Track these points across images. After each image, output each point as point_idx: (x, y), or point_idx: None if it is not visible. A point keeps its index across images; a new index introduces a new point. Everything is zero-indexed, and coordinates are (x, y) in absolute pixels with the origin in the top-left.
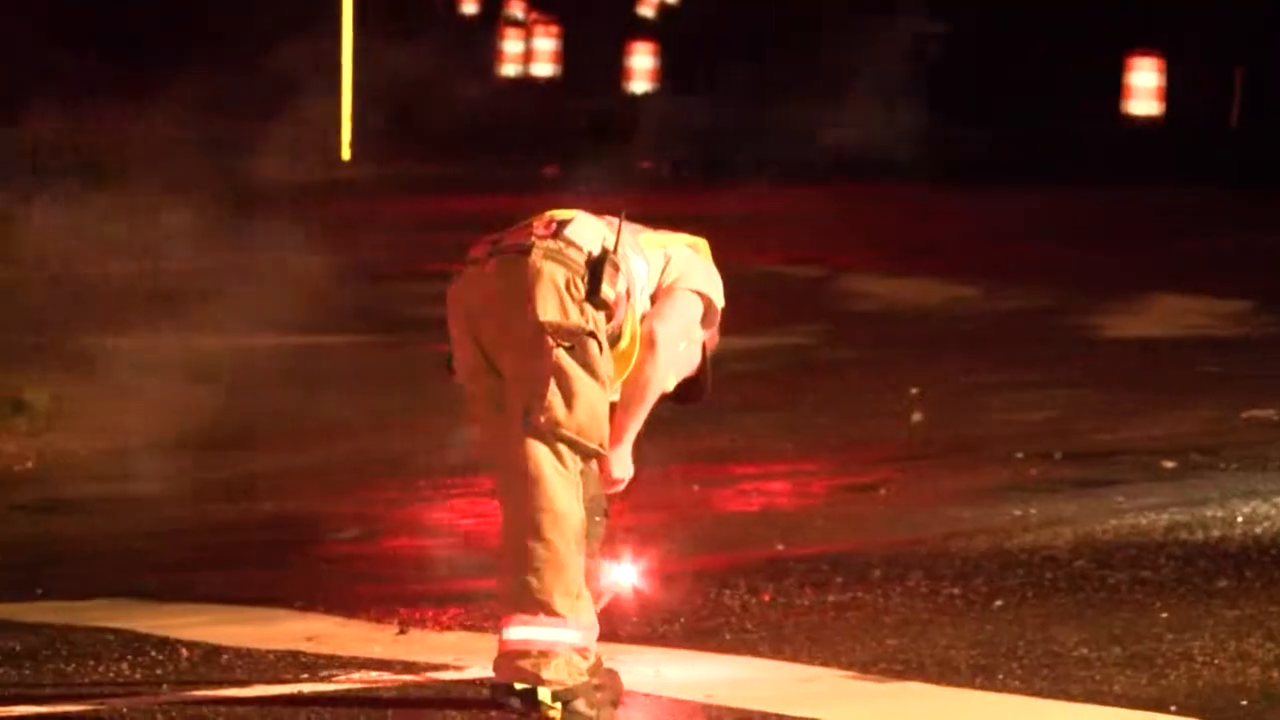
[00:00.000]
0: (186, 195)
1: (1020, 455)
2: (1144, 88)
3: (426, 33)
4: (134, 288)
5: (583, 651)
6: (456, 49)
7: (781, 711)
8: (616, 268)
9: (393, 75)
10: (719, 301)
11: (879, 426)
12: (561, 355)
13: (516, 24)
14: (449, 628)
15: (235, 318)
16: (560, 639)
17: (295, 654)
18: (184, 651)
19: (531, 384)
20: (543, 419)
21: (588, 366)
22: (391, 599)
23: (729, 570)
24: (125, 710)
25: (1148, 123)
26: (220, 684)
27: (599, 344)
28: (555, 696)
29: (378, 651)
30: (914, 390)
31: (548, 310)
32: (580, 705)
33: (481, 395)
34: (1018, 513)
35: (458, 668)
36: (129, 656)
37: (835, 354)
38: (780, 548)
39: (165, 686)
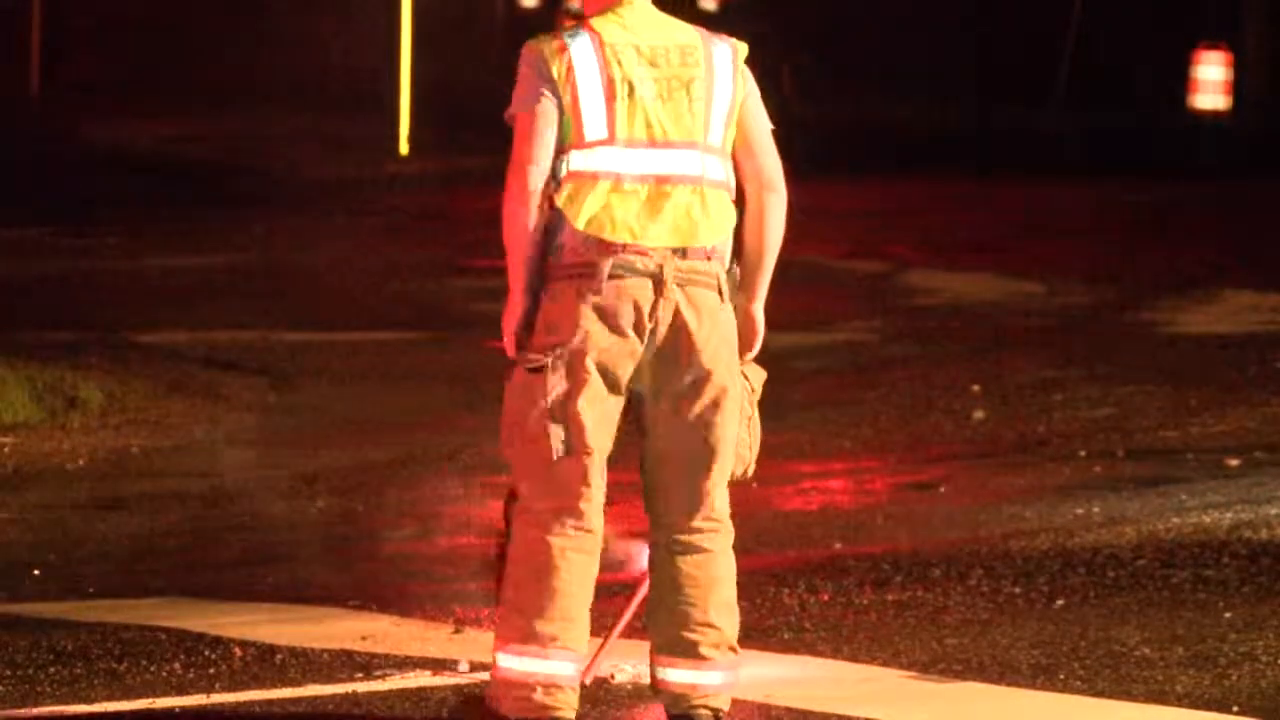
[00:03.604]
0: (241, 189)
1: (1083, 453)
2: (1211, 82)
3: (486, 26)
4: (188, 283)
5: None
6: (516, 41)
7: (841, 711)
8: None
9: (452, 68)
10: None
11: (940, 424)
12: (753, 405)
13: (576, 17)
14: None
15: (289, 313)
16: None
17: (350, 653)
18: (237, 651)
19: (733, 439)
20: (748, 473)
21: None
22: (446, 597)
23: (788, 569)
24: (178, 710)
25: (1214, 117)
26: (274, 684)
27: None
28: None
29: (433, 650)
30: (975, 387)
31: (737, 355)
32: None
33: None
34: (1080, 511)
35: None
36: (182, 656)
37: (896, 350)
38: (839, 546)
39: (218, 686)
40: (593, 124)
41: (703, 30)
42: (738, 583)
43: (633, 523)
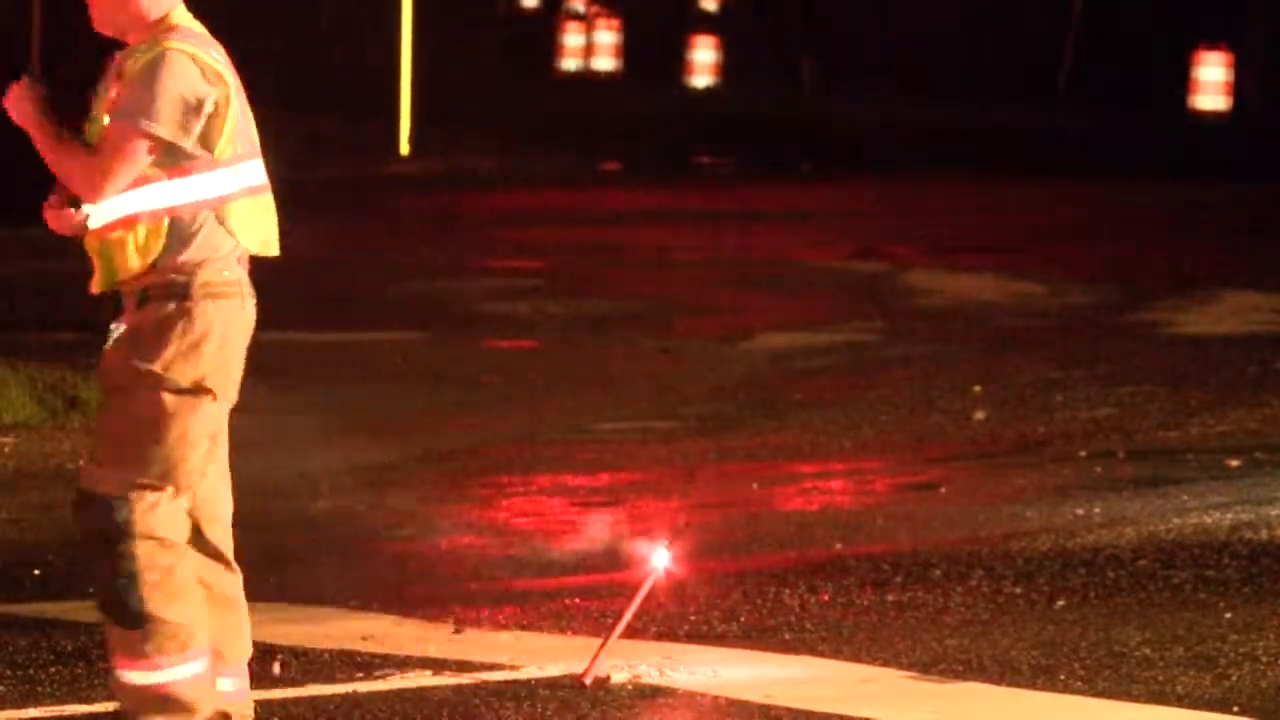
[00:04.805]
0: None
1: (1083, 453)
2: (1211, 82)
3: (487, 26)
4: None
5: None
6: (516, 43)
7: (841, 712)
8: None
9: (453, 69)
10: None
11: (940, 424)
12: None
13: (577, 17)
14: (505, 627)
15: (290, 313)
16: None
17: (350, 653)
18: None
19: None
20: None
21: None
22: (446, 598)
23: (788, 569)
24: None
25: (1214, 117)
26: (274, 683)
27: None
28: None
29: (433, 651)
30: (976, 388)
31: None
32: None
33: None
34: (1080, 511)
35: (513, 667)
36: None
37: (897, 351)
38: (840, 546)
39: None
40: (242, 139)
41: None
42: (738, 582)
43: (633, 523)
